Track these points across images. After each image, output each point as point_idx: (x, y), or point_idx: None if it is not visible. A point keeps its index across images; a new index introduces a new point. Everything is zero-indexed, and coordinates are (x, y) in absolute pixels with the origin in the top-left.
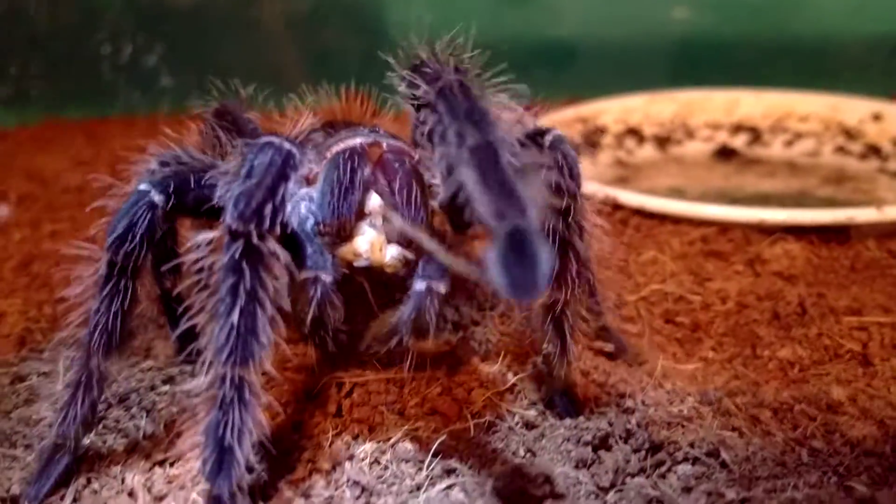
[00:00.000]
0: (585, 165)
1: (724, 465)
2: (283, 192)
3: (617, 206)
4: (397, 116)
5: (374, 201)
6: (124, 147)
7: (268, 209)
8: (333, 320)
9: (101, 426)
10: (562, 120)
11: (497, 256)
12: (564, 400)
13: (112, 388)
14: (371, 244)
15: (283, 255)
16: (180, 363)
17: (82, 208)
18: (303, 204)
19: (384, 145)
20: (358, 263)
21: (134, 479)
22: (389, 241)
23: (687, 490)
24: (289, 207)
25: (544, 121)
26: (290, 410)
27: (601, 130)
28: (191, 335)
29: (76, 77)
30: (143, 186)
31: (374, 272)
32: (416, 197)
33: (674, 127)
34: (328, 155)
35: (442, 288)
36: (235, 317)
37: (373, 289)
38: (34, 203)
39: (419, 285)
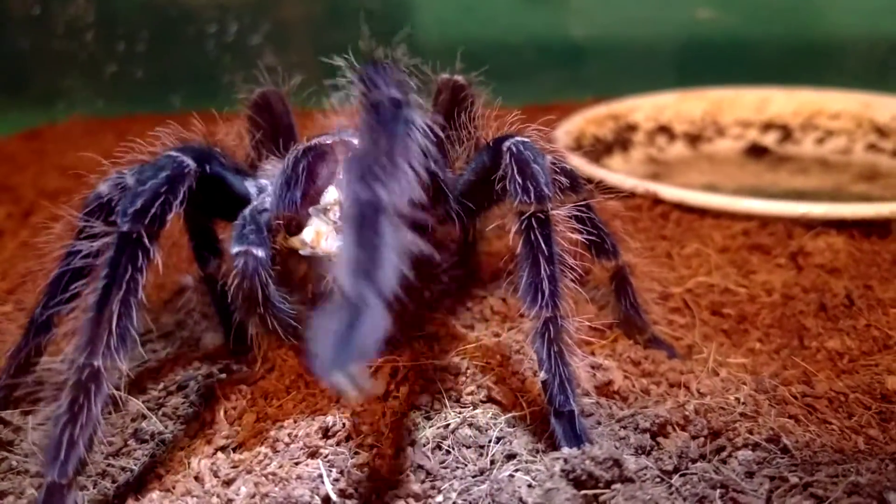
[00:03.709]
0: (617, 162)
1: (785, 450)
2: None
3: (657, 201)
4: None
5: (330, 195)
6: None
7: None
8: (267, 296)
9: (160, 413)
10: (594, 117)
11: (333, 321)
12: (563, 427)
13: (169, 377)
14: (316, 234)
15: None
16: (232, 352)
17: None
18: (266, 199)
19: (350, 143)
20: (303, 252)
21: (200, 463)
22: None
23: (750, 475)
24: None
25: (577, 118)
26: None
27: (632, 128)
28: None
29: (102, 75)
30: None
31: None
32: None
33: (704, 125)
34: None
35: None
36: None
37: None
38: (70, 198)
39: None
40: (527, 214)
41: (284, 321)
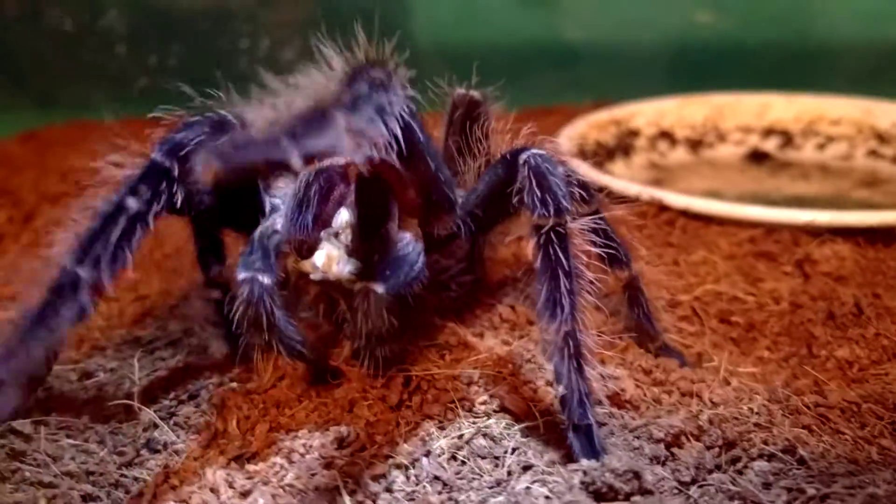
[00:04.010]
0: (620, 167)
1: (801, 461)
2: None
3: (663, 208)
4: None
5: (342, 217)
6: None
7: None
8: (273, 323)
9: (172, 422)
10: (596, 122)
11: None
12: (581, 441)
13: (180, 386)
14: (327, 258)
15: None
16: (238, 361)
17: None
18: (278, 220)
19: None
20: (314, 276)
21: (215, 474)
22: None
23: (766, 486)
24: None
25: (580, 123)
26: (359, 405)
27: (634, 133)
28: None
29: (99, 79)
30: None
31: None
32: (385, 211)
33: (705, 130)
34: None
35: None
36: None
37: None
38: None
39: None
40: (545, 228)
41: (290, 345)
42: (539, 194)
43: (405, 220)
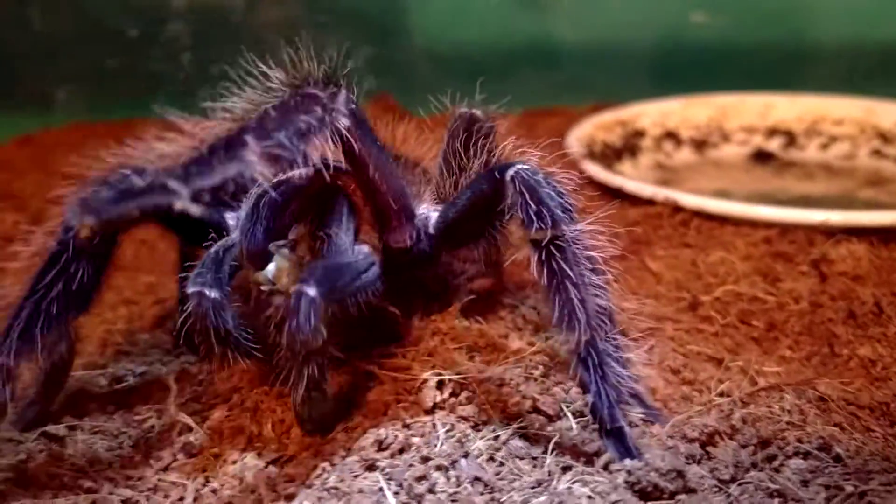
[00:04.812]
0: (627, 168)
1: (837, 459)
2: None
3: (677, 209)
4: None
5: (295, 230)
6: None
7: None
8: (222, 336)
9: (206, 426)
10: (602, 123)
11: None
12: (614, 444)
13: (210, 389)
14: (277, 269)
15: None
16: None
17: None
18: (235, 232)
19: (324, 174)
20: (264, 289)
21: (255, 477)
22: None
23: (805, 483)
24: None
25: (586, 125)
26: (393, 408)
27: (639, 133)
28: None
29: (99, 81)
30: None
31: None
32: (345, 223)
33: (709, 130)
34: None
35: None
36: None
37: None
38: None
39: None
40: (544, 242)
41: (242, 349)
42: (533, 207)
43: (365, 232)
